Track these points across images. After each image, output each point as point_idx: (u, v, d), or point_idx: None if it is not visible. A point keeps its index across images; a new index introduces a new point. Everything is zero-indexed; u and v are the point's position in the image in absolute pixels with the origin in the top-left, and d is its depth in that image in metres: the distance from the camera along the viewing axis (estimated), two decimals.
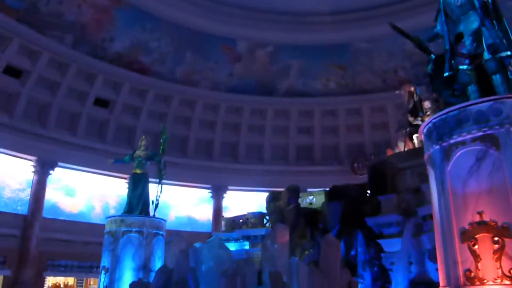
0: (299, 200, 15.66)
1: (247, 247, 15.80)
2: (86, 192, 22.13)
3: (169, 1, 21.66)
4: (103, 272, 12.45)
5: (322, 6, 22.90)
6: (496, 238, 5.20)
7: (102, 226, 13.59)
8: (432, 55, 7.06)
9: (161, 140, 14.32)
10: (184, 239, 12.43)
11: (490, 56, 6.29)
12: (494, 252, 5.17)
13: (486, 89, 6.35)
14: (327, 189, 16.08)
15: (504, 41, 6.27)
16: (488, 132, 5.59)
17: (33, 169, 20.20)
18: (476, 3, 6.52)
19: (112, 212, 21.13)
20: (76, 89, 21.51)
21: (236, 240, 16.15)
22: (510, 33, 6.40)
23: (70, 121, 21.60)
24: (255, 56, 24.55)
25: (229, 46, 24.06)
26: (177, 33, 22.75)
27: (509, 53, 6.23)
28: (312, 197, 16.63)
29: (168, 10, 21.84)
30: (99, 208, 22.27)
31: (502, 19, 6.54)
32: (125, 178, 19.26)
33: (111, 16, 21.17)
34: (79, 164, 21.53)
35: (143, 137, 14.90)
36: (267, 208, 16.23)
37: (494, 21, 6.46)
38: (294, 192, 15.50)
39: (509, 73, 6.24)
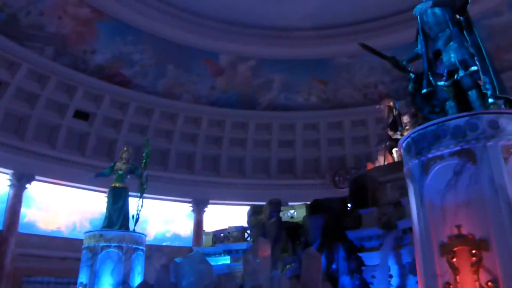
0: (281, 214, 15.65)
1: (228, 261, 15.66)
2: (64, 207, 21.61)
3: (152, 14, 21.66)
4: None
5: (304, 21, 23.21)
6: (473, 251, 5.26)
7: (80, 241, 13.30)
8: (411, 74, 7.16)
9: (144, 154, 14.06)
10: (164, 254, 12.32)
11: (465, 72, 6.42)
12: (472, 265, 5.24)
13: (464, 104, 6.46)
14: (309, 202, 16.13)
15: (475, 56, 6.39)
16: (465, 147, 5.70)
17: (9, 183, 19.71)
18: (448, 20, 6.66)
19: (90, 227, 20.68)
20: (56, 102, 21.18)
21: (217, 254, 15.99)
22: (482, 48, 6.50)
23: (49, 134, 21.19)
24: (237, 70, 24.66)
25: (211, 60, 24.12)
26: (159, 46, 22.72)
27: (475, 68, 6.32)
28: (293, 210, 16.68)
29: (150, 23, 21.83)
30: (77, 223, 21.77)
31: (474, 34, 6.69)
32: (104, 192, 18.93)
33: (93, 29, 21.03)
34: (57, 178, 21.08)
35: (125, 149, 14.48)
36: (248, 222, 16.13)
37: (466, 37, 6.60)
38: (276, 206, 15.48)
39: (482, 88, 6.31)
